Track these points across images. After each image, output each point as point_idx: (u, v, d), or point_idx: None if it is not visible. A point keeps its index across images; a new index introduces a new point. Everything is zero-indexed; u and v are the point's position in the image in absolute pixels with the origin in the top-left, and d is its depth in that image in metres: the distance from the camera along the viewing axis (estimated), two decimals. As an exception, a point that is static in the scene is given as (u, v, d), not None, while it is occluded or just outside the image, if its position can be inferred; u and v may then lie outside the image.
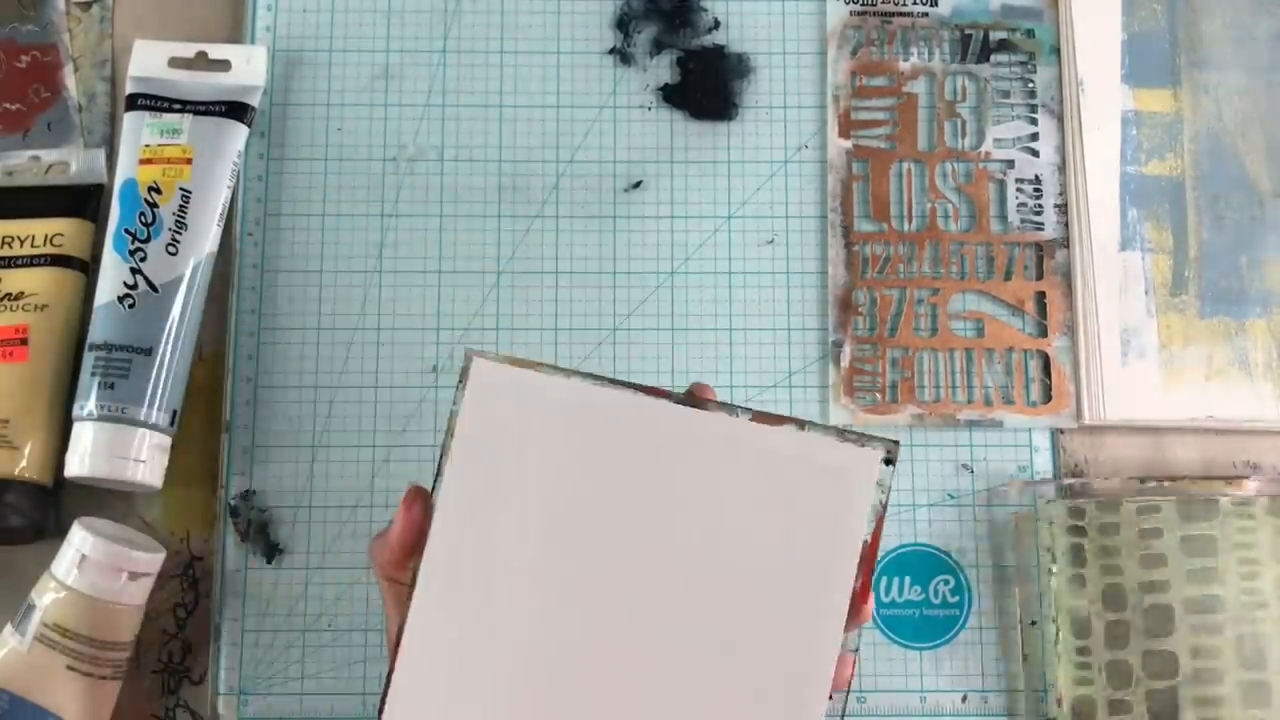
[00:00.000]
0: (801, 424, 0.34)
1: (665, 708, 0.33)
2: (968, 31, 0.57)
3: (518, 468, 0.35)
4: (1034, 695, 0.49)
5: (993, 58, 0.56)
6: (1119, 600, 0.49)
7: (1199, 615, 0.49)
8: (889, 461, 0.33)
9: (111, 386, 0.48)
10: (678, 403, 0.35)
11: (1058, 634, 0.49)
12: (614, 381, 0.35)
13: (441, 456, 0.35)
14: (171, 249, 0.50)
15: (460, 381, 0.36)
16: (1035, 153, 0.55)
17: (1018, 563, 0.51)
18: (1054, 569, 0.49)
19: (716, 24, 0.57)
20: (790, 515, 0.34)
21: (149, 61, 0.54)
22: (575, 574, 0.34)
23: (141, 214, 0.51)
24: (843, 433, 0.34)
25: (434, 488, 0.35)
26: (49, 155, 0.55)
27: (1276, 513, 0.50)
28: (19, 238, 0.52)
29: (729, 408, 0.35)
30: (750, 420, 0.34)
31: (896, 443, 0.34)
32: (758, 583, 0.34)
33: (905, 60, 0.56)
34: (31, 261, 0.51)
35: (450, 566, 0.35)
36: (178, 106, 0.53)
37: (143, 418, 0.48)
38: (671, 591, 0.34)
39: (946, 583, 0.51)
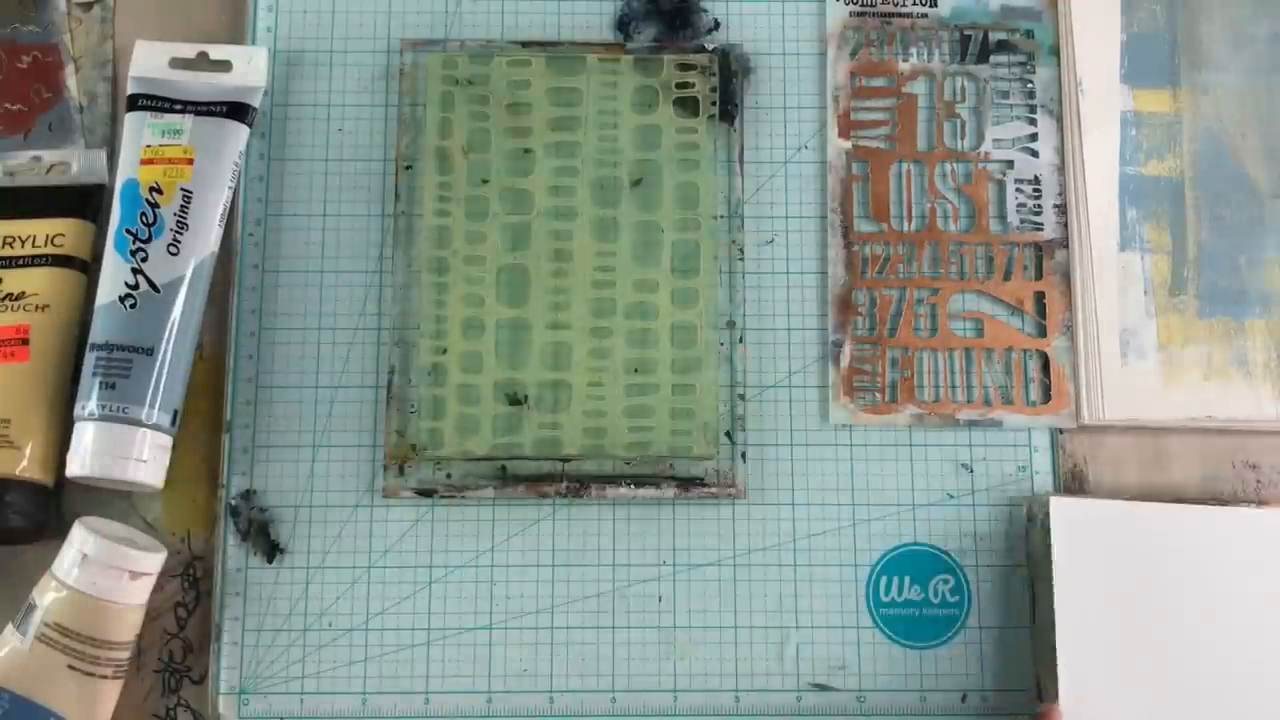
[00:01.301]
0: None
1: None
2: (967, 32, 0.57)
3: (1108, 589, 0.46)
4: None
5: (992, 58, 0.56)
6: (483, 143, 0.54)
7: (559, 160, 0.54)
8: None
9: (112, 386, 0.48)
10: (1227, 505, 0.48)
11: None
12: (1176, 504, 0.49)
13: (1032, 595, 0.49)
14: (173, 249, 0.50)
15: (1032, 521, 0.48)
16: (1035, 153, 0.55)
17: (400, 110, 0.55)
18: (425, 112, 0.54)
19: (716, 24, 0.57)
20: None
21: (150, 62, 0.54)
22: (1195, 684, 0.46)
23: (143, 214, 0.51)
24: None
25: (1038, 626, 0.47)
26: (50, 155, 0.55)
27: (640, 70, 0.55)
28: (20, 238, 0.52)
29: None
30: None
31: None
32: None
33: (905, 61, 0.56)
34: (33, 262, 0.52)
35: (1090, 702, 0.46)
36: (179, 107, 0.53)
37: (144, 418, 0.48)
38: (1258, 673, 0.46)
39: (946, 582, 0.51)
